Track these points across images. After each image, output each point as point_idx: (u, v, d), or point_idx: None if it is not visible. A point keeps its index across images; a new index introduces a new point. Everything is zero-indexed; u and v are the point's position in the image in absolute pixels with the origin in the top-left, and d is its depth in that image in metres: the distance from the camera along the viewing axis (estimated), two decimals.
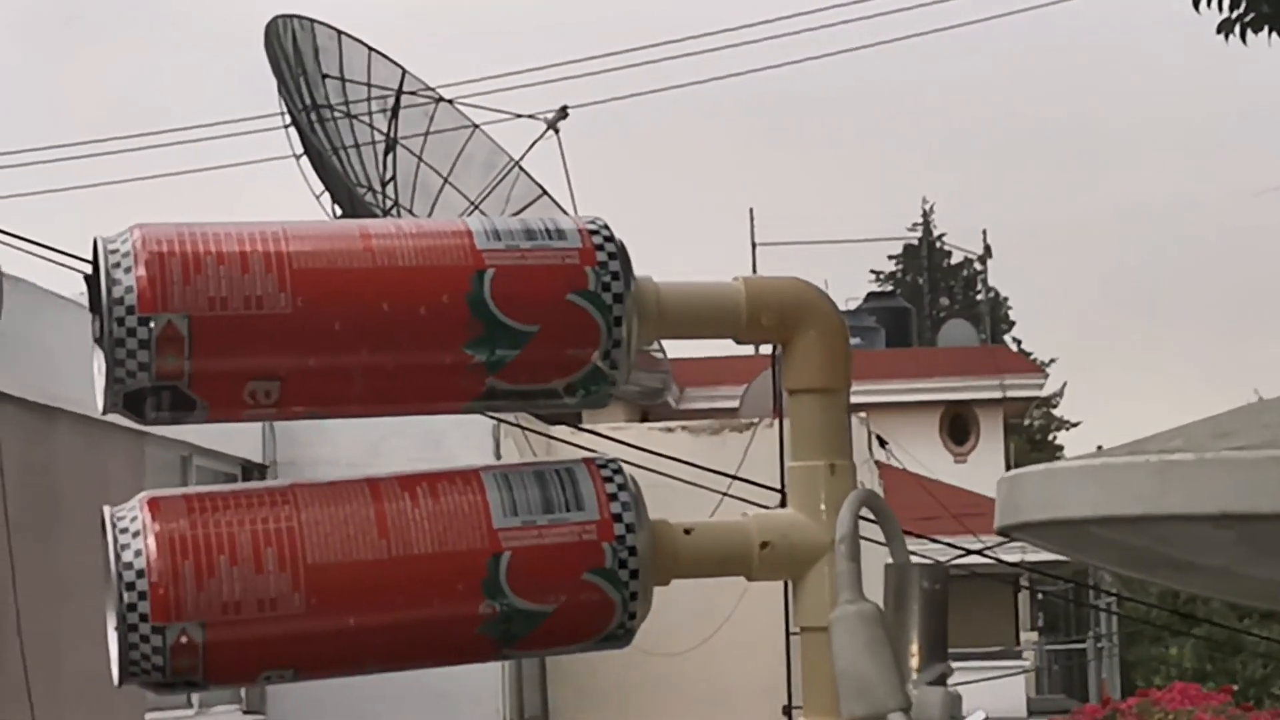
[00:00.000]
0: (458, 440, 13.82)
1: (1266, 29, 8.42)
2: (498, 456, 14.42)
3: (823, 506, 1.61)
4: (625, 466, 1.59)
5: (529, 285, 1.55)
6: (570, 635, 1.57)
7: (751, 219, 28.13)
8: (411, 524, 1.54)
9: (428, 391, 1.58)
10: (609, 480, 1.57)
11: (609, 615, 1.56)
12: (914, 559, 1.63)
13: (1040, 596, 31.11)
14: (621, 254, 1.58)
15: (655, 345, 21.21)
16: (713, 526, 1.61)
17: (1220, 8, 8.54)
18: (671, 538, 1.59)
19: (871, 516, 1.63)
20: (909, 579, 1.62)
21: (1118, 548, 1.54)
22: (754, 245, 25.34)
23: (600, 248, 1.57)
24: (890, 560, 1.62)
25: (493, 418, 13.84)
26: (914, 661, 1.61)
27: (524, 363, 1.55)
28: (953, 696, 1.58)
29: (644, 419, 22.49)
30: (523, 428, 14.61)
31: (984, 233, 43.44)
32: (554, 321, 1.55)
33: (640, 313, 1.58)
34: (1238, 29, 8.51)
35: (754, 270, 24.46)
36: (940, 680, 1.61)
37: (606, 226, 1.59)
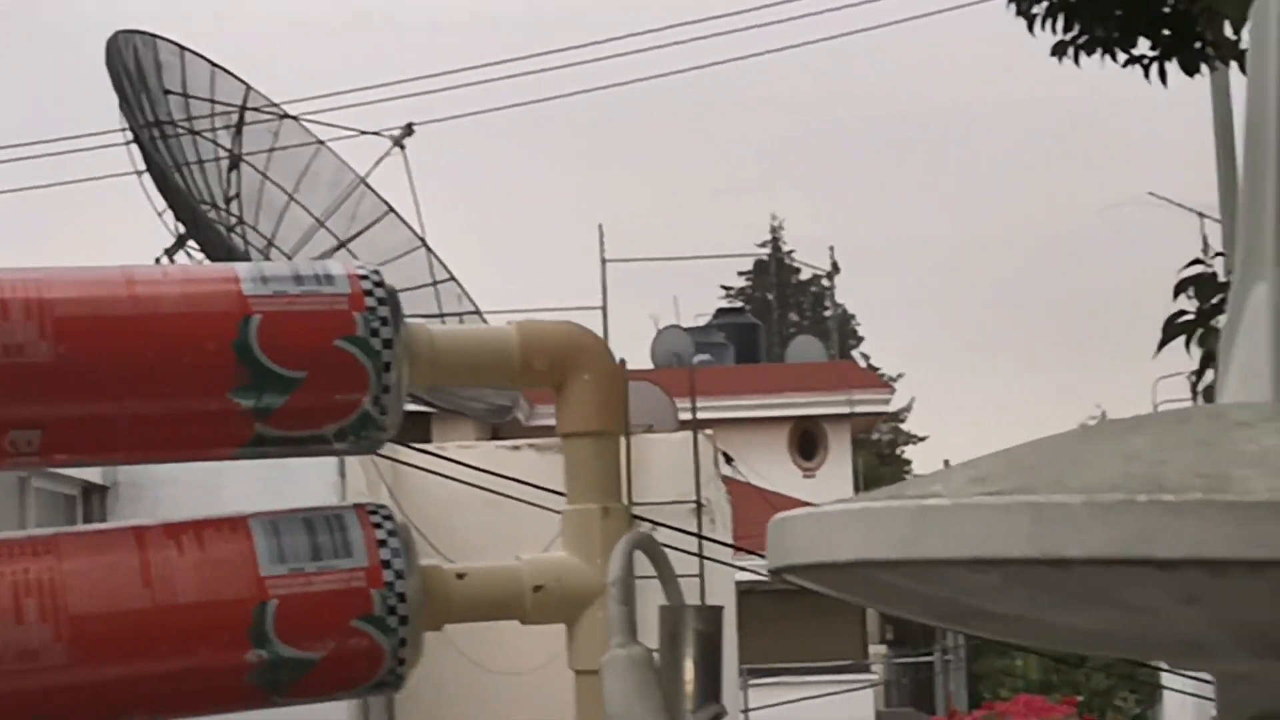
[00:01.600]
0: (302, 463, 13.72)
1: (1100, 51, 8.53)
2: (342, 477, 14.34)
3: (597, 550, 1.61)
4: (395, 512, 1.59)
5: (296, 331, 1.54)
6: (340, 682, 1.57)
7: (601, 236, 28.14)
8: (177, 572, 1.53)
9: (195, 439, 1.57)
10: (378, 526, 1.56)
11: (379, 662, 1.56)
12: (689, 602, 1.64)
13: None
14: (391, 300, 1.58)
15: None
16: (486, 571, 1.61)
17: (1054, 30, 8.63)
18: (443, 583, 1.59)
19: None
20: (683, 621, 1.63)
21: (904, 594, 1.55)
22: (603, 262, 25.38)
23: (369, 293, 1.57)
24: (664, 602, 1.63)
25: None
26: (688, 704, 1.62)
27: (292, 409, 1.54)
28: None
29: (494, 437, 22.43)
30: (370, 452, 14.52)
31: (831, 249, 43.75)
32: (322, 367, 1.54)
33: (411, 358, 1.58)
34: (1071, 51, 8.61)
35: (603, 288, 24.52)
36: None
37: (377, 272, 1.59)
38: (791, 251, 49.45)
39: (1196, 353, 4.71)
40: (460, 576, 1.60)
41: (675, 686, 1.63)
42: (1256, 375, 1.57)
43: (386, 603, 1.56)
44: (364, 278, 1.59)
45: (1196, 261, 4.81)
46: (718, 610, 1.64)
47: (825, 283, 44.13)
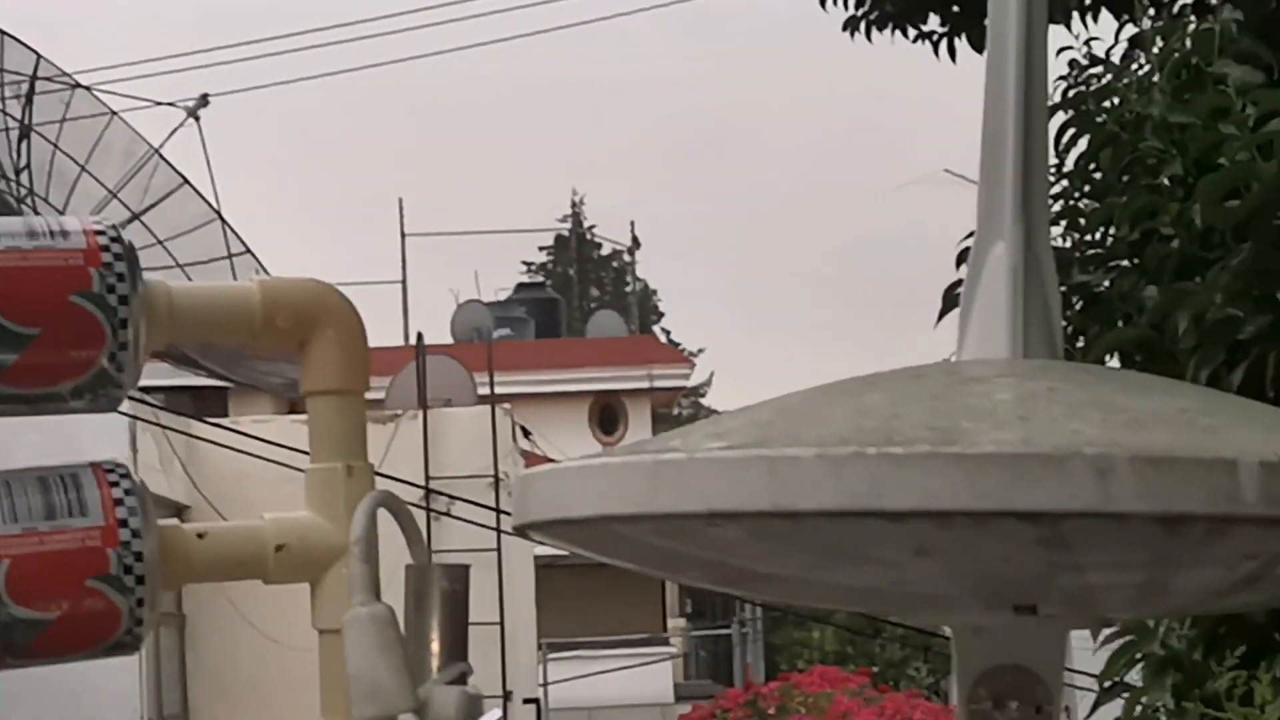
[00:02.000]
0: (92, 435, 13.51)
1: (890, 27, 8.60)
2: (134, 452, 14.15)
3: (340, 509, 1.60)
4: (131, 469, 1.57)
5: (29, 287, 1.52)
6: (77, 643, 1.55)
7: (401, 209, 28.01)
8: None
9: None
10: (115, 485, 1.54)
11: (115, 622, 1.54)
12: (436, 560, 1.64)
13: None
14: (129, 255, 1.56)
15: None
16: (227, 530, 1.59)
17: (845, 6, 8.70)
18: (183, 542, 1.57)
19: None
20: (428, 580, 1.62)
21: (649, 550, 1.55)
22: (403, 236, 25.26)
23: (106, 249, 1.55)
24: (410, 561, 1.62)
25: (125, 414, 13.59)
26: (434, 662, 1.62)
27: (26, 366, 1.52)
28: (470, 696, 1.59)
29: (291, 411, 22.25)
30: (163, 426, 14.37)
31: (632, 224, 43.87)
32: (56, 324, 1.52)
33: (149, 316, 1.56)
34: (863, 26, 8.68)
35: (403, 264, 24.40)
36: (460, 680, 1.62)
37: (114, 227, 1.57)
38: (593, 227, 49.51)
39: None
40: (200, 536, 1.58)
41: (421, 645, 1.62)
42: (994, 333, 1.59)
43: (123, 562, 1.54)
44: (100, 233, 1.57)
45: (974, 233, 4.86)
46: (464, 569, 1.64)
47: (626, 258, 44.29)
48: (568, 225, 48.37)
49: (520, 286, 35.66)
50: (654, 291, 49.79)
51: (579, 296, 45.27)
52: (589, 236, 49.21)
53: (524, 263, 48.43)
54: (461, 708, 1.57)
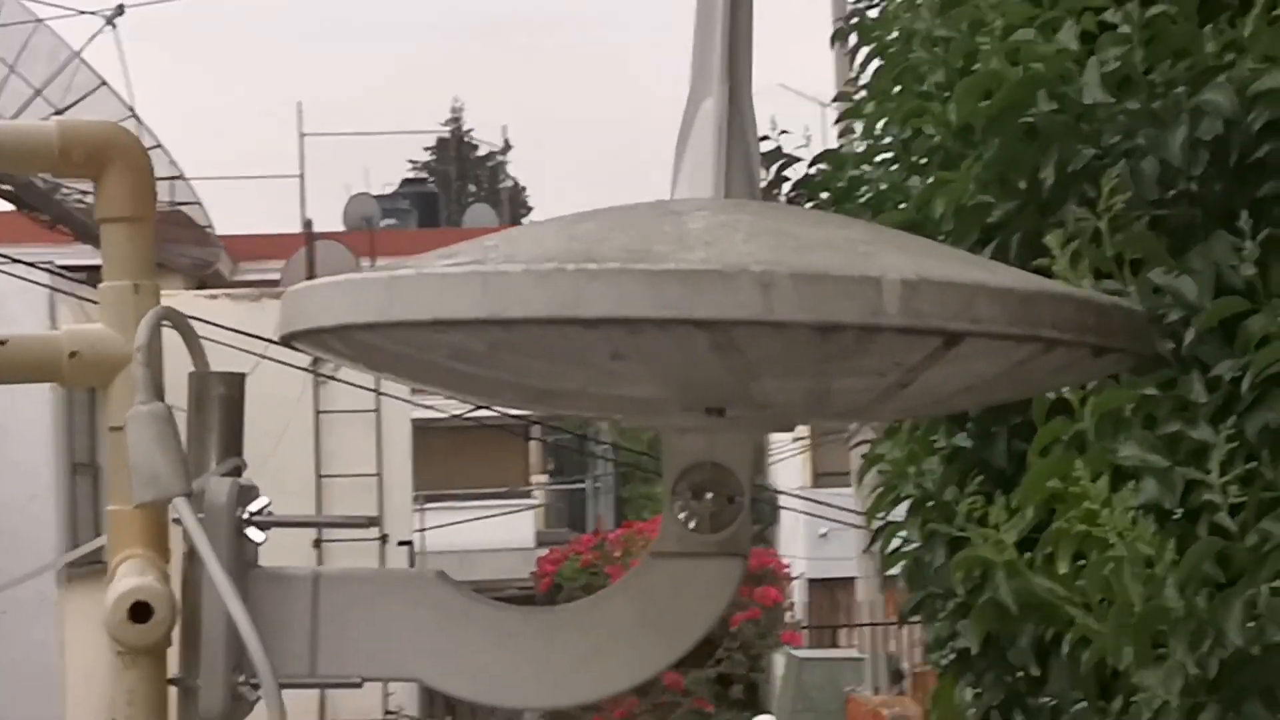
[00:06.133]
0: (18, 307, 13.35)
1: None
2: (52, 320, 13.97)
3: (129, 322, 1.60)
4: None
5: None
6: None
7: (299, 112, 27.68)
8: None
9: None
10: None
11: None
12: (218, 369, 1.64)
13: (549, 442, 31.64)
14: None
15: (207, 223, 20.81)
16: (26, 338, 1.59)
17: None
18: None
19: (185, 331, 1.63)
20: (208, 385, 1.62)
21: (396, 357, 1.54)
22: (301, 136, 24.95)
23: None
24: (192, 369, 1.62)
25: (45, 286, 13.40)
26: (213, 458, 1.62)
27: None
28: (242, 487, 1.59)
29: (200, 288, 22.03)
30: (79, 298, 14.19)
31: (504, 128, 43.62)
32: None
33: None
34: None
35: (301, 161, 24.13)
36: (234, 472, 1.62)
37: None
38: (470, 131, 49.24)
39: None
40: (3, 343, 1.57)
41: (202, 443, 1.63)
42: (701, 177, 1.61)
43: None
44: None
45: (764, 138, 4.89)
46: (240, 376, 1.64)
47: (500, 158, 44.18)
48: (449, 129, 48.04)
49: (405, 182, 35.44)
50: (524, 188, 49.63)
51: (457, 192, 45.00)
52: (467, 139, 48.89)
53: (409, 161, 48.08)
54: (232, 494, 1.57)
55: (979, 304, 1.35)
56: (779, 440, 27.21)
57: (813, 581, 26.15)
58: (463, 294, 1.37)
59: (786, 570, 22.49)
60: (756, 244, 1.39)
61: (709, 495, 1.63)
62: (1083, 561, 2.91)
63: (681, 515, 1.64)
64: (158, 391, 1.56)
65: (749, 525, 1.65)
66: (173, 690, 1.58)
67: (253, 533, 1.57)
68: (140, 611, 1.50)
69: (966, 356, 1.39)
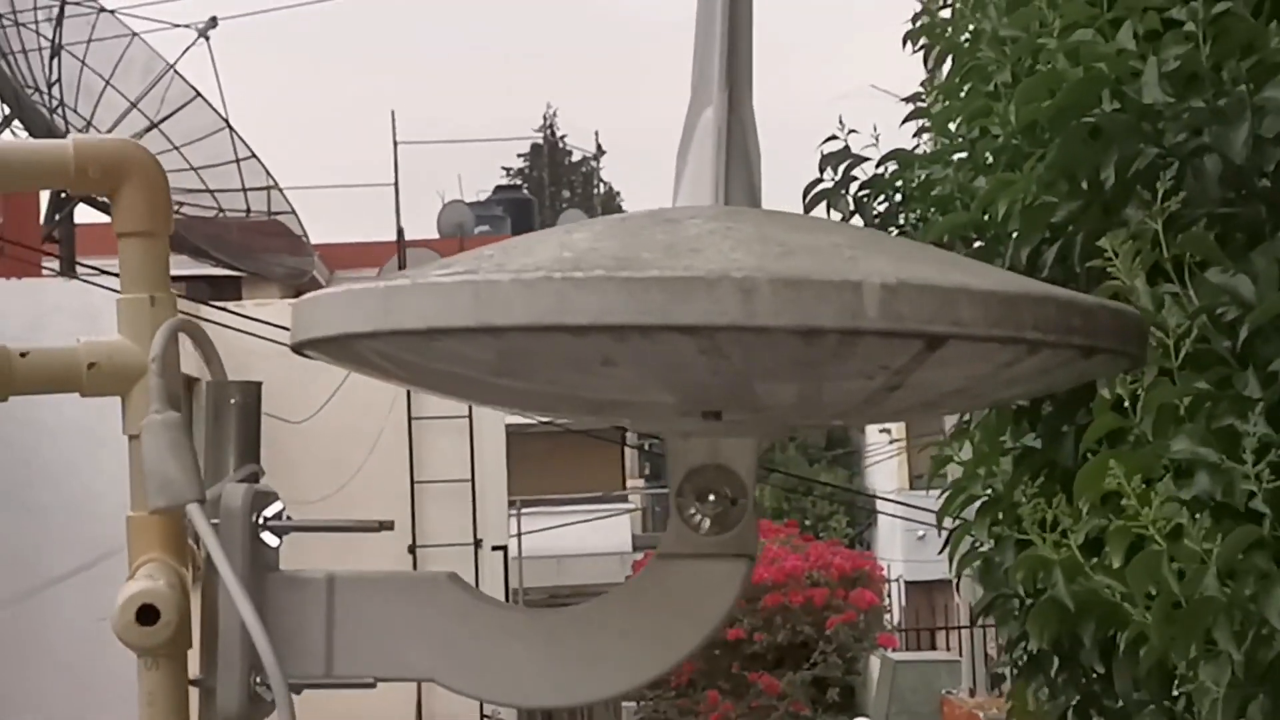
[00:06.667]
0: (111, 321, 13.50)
1: None
2: None
3: (146, 333, 1.64)
4: None
5: None
6: None
7: (393, 121, 27.81)
8: None
9: None
10: None
11: None
12: (234, 379, 1.68)
13: (647, 448, 31.74)
14: None
15: (302, 232, 21.02)
16: (46, 350, 1.64)
17: None
18: (7, 360, 1.61)
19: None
20: (224, 394, 1.67)
21: (397, 363, 1.57)
22: (395, 144, 25.12)
23: None
24: (210, 379, 1.67)
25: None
26: (230, 464, 1.67)
27: None
28: (257, 492, 1.63)
29: (296, 296, 22.26)
30: (183, 314, 14.37)
31: (596, 134, 43.69)
32: None
33: None
34: None
35: (395, 169, 24.29)
36: (250, 478, 1.66)
37: None
38: (564, 136, 49.38)
39: (836, 217, 4.82)
40: (23, 355, 1.62)
41: (219, 451, 1.67)
42: (701, 186, 1.63)
43: None
44: None
45: (833, 138, 4.89)
46: (256, 385, 1.68)
47: (593, 164, 44.26)
48: (542, 135, 48.21)
49: (498, 189, 35.61)
50: (617, 193, 49.73)
51: (551, 198, 45.15)
52: (561, 145, 49.04)
53: (503, 168, 48.26)
54: (247, 500, 1.61)
55: (960, 306, 1.37)
56: (875, 443, 27.11)
57: (910, 584, 26.05)
58: (455, 303, 1.40)
59: (882, 573, 22.41)
60: (743, 251, 1.42)
61: (712, 497, 1.66)
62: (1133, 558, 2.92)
63: (687, 517, 1.67)
64: (173, 401, 1.61)
65: (754, 526, 1.68)
66: (194, 692, 1.63)
67: (267, 537, 1.61)
68: (147, 614, 1.55)
69: (951, 359, 1.40)
